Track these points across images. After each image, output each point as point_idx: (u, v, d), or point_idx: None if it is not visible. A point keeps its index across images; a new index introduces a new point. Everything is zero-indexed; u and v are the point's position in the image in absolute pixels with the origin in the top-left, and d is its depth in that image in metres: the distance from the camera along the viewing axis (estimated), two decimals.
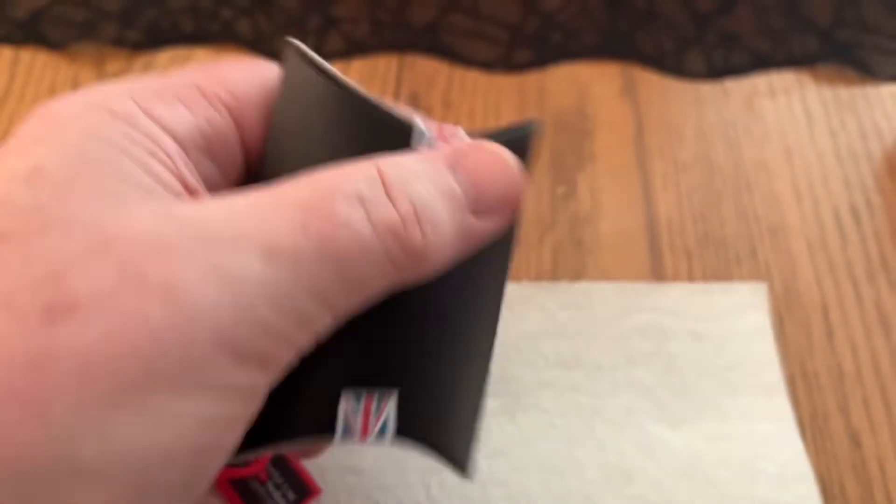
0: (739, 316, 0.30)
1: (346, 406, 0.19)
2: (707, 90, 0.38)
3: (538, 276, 0.31)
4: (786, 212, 0.33)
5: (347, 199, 0.16)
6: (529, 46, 0.39)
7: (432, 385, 0.20)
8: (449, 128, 0.19)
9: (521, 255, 0.32)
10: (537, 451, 0.27)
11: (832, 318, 0.30)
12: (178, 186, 0.17)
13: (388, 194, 0.16)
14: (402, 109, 0.20)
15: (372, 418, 0.19)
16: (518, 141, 0.22)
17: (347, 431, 0.19)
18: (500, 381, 0.29)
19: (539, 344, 0.29)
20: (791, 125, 0.36)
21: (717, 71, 0.38)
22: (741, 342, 0.29)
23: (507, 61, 0.38)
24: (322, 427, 0.19)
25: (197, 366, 0.15)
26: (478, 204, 0.18)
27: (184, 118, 0.18)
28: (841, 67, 0.38)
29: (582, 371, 0.29)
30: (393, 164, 0.17)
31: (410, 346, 0.20)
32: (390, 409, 0.19)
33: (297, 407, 0.19)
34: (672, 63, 0.39)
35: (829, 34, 0.39)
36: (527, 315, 0.30)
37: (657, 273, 0.31)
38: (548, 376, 0.29)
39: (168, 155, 0.17)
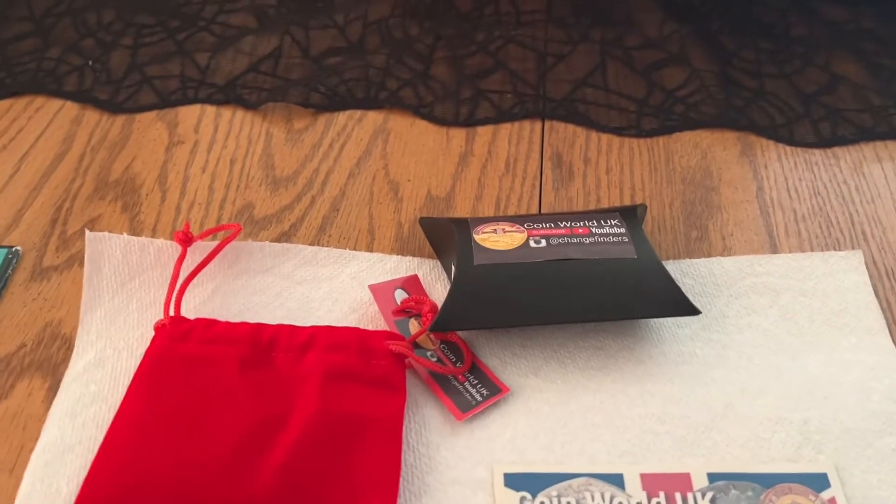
0: (841, 276, 0.35)
1: None
2: (819, 155, 0.42)
3: None
4: None
5: None
6: (655, 116, 0.45)
7: None
8: None
9: None
10: (682, 371, 0.32)
11: None
12: None
13: None
14: None
15: None
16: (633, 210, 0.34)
17: None
18: None
19: None
20: None
21: (826, 141, 0.43)
22: (844, 295, 0.34)
23: (636, 128, 0.44)
24: None
25: None
26: None
27: None
28: None
29: (709, 317, 0.34)
30: None
31: None
32: None
33: None
34: (784, 134, 0.44)
35: None
36: None
37: None
38: (681, 320, 0.34)
39: None
